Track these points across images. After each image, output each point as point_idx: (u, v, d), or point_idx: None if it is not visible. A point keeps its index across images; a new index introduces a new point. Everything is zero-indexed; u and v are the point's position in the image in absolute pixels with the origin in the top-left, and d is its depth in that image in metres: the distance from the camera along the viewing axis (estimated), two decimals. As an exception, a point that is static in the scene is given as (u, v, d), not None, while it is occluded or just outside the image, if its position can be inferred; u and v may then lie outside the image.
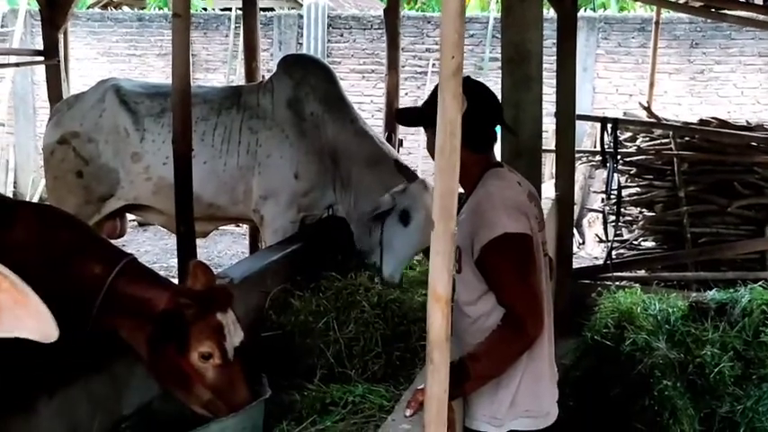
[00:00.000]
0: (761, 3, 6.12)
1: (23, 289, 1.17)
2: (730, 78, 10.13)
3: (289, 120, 4.64)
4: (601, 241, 7.84)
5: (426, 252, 1.85)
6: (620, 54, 10.43)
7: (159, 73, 11.08)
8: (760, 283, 4.55)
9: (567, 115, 5.64)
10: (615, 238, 6.75)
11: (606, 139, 6.11)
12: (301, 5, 11.75)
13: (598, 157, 6.69)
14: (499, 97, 3.45)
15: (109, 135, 4.81)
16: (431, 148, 2.24)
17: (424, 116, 2.43)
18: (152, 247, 9.42)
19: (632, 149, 6.95)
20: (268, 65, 9.54)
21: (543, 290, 2.45)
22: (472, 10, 12.86)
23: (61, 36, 6.12)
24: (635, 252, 7.10)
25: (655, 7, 8.08)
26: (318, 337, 3.40)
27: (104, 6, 13.47)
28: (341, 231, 4.53)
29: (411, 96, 10.37)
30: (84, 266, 2.59)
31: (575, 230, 8.11)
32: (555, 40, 5.62)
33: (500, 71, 3.90)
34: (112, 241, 3.52)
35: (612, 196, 6.37)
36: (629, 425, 3.87)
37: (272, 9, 11.84)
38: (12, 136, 11.77)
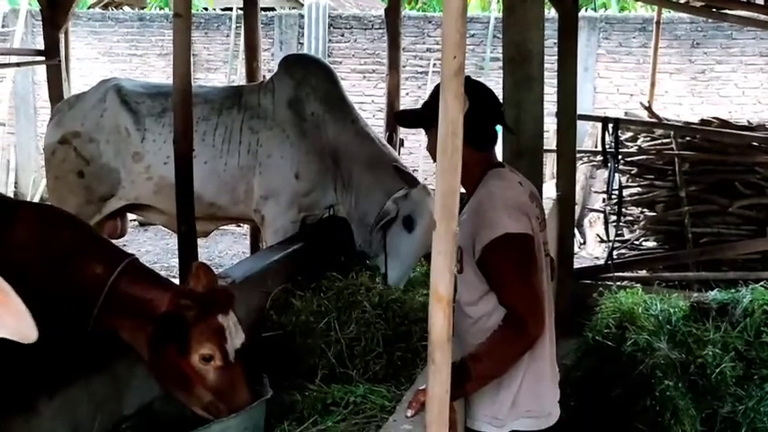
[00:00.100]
0: (762, 2, 6.11)
1: (3, 288, 1.17)
2: (731, 78, 10.12)
3: (289, 120, 4.64)
4: (602, 241, 7.83)
5: (429, 257, 1.84)
6: (621, 54, 10.43)
7: (160, 73, 11.08)
8: (761, 283, 4.53)
9: (568, 115, 5.64)
10: (616, 238, 6.75)
11: (607, 138, 6.10)
12: (302, 5, 11.75)
13: (599, 157, 6.68)
14: (500, 97, 3.45)
15: (110, 135, 4.81)
16: (432, 148, 2.23)
17: (423, 117, 2.43)
18: (153, 246, 9.42)
19: (633, 149, 6.95)
20: (269, 65, 9.54)
21: (544, 290, 2.45)
22: (473, 10, 12.85)
23: (62, 36, 6.12)
24: (636, 252, 7.10)
25: (656, 7, 8.08)
26: (319, 338, 3.40)
27: (105, 6, 13.47)
28: (342, 231, 4.53)
29: (412, 96, 10.36)
30: (85, 266, 2.59)
31: (576, 230, 8.11)
32: (556, 40, 5.62)
33: (501, 71, 3.89)
34: (113, 241, 3.52)
35: (614, 196, 6.37)
36: (631, 425, 3.86)
37: (272, 9, 11.83)
38: (13, 136, 11.77)
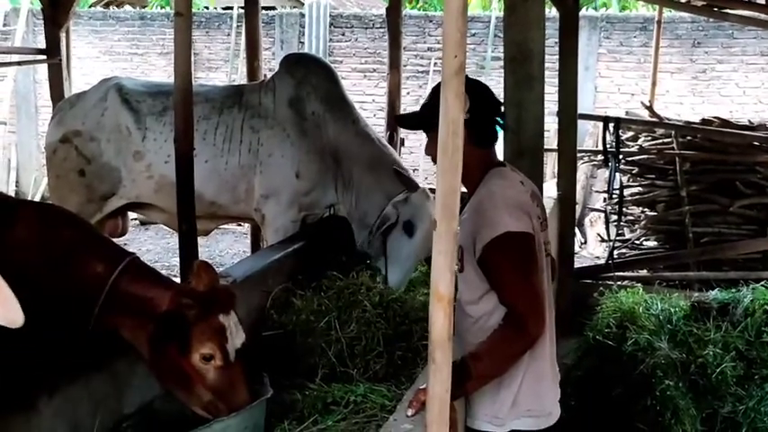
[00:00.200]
0: (763, 2, 6.11)
1: None
2: (732, 78, 10.11)
3: (290, 119, 4.64)
4: (603, 241, 7.82)
5: (429, 259, 1.84)
6: (621, 53, 10.42)
7: (161, 72, 11.08)
8: (762, 282, 4.53)
9: (568, 114, 5.63)
10: (617, 238, 6.75)
11: (608, 138, 6.10)
12: (303, 4, 11.75)
13: (600, 157, 6.68)
14: (501, 96, 3.45)
15: (111, 134, 4.81)
16: (432, 151, 2.22)
17: (423, 120, 2.42)
18: (154, 245, 9.42)
19: (634, 149, 6.95)
20: (270, 64, 9.54)
21: (545, 289, 2.45)
22: (474, 9, 12.85)
23: (63, 35, 6.12)
24: (637, 252, 7.10)
25: (657, 6, 8.08)
26: (320, 337, 3.40)
27: (106, 5, 13.48)
28: (342, 231, 4.53)
29: (413, 96, 10.36)
30: (86, 265, 2.59)
31: (576, 230, 8.11)
32: (557, 40, 5.62)
33: (502, 70, 3.89)
34: (114, 240, 3.53)
35: (614, 196, 6.37)
36: (631, 425, 3.86)
37: (273, 8, 11.83)
38: (14, 135, 11.77)
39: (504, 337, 2.29)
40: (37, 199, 10.55)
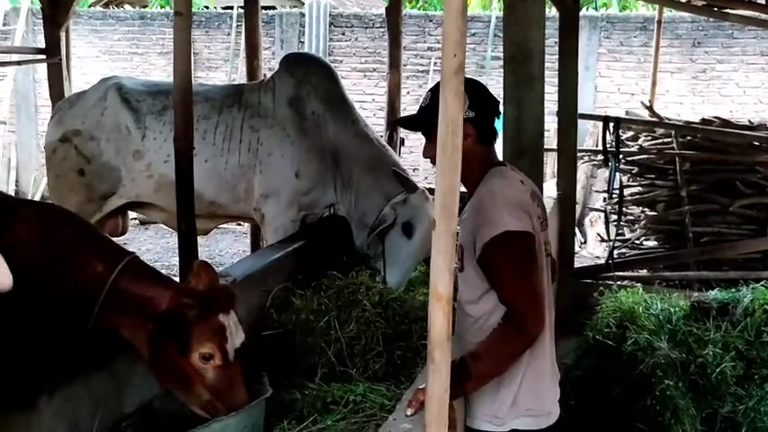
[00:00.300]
0: (763, 2, 6.10)
1: None
2: (732, 77, 10.11)
3: (290, 118, 4.64)
4: (602, 240, 7.82)
5: (428, 261, 1.84)
6: (622, 53, 10.42)
7: (161, 71, 11.08)
8: (762, 282, 4.53)
9: (568, 114, 5.63)
10: (617, 238, 6.74)
11: (608, 138, 6.10)
12: (303, 4, 11.75)
13: (600, 157, 6.68)
14: (501, 96, 3.45)
15: (110, 133, 4.81)
16: (430, 153, 2.22)
17: (421, 122, 2.42)
18: (153, 245, 9.42)
19: (634, 149, 6.94)
20: (270, 63, 9.54)
21: (545, 288, 2.45)
22: (474, 9, 12.86)
23: (63, 34, 6.12)
24: (637, 251, 7.10)
25: (657, 6, 8.07)
26: (319, 336, 3.40)
27: (106, 5, 13.47)
28: (342, 230, 4.53)
29: (413, 95, 10.36)
30: (86, 265, 2.59)
31: (576, 230, 8.11)
32: (557, 39, 5.61)
33: (502, 70, 3.89)
34: (114, 239, 3.53)
35: (614, 195, 6.37)
36: (631, 425, 3.86)
37: (273, 7, 11.83)
38: (13, 134, 11.77)
39: (503, 336, 2.29)
40: (37, 198, 10.55)
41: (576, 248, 7.70)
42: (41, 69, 9.14)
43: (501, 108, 2.62)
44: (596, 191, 9.29)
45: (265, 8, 10.17)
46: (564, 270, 5.34)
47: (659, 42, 8.18)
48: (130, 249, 2.77)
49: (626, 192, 6.61)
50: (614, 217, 6.58)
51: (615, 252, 6.31)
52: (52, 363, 2.50)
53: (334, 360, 3.32)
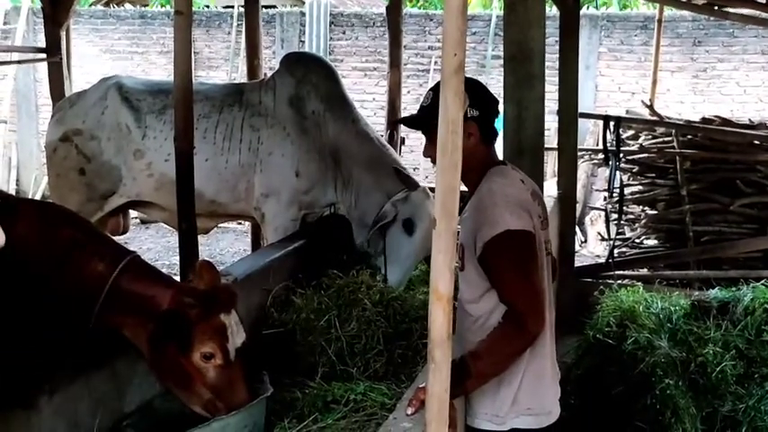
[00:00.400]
0: (764, 1, 6.10)
1: None
2: (733, 76, 10.11)
3: (290, 118, 4.64)
4: (603, 239, 7.82)
5: (429, 260, 1.84)
6: (622, 52, 10.41)
7: (161, 70, 11.08)
8: (762, 281, 4.52)
9: (569, 113, 5.63)
10: (617, 237, 6.74)
11: (608, 137, 6.10)
12: (303, 3, 11.75)
13: (600, 156, 6.67)
14: (501, 95, 3.45)
15: (111, 132, 4.81)
16: (431, 153, 2.22)
17: (422, 121, 2.42)
18: (154, 244, 9.42)
19: (635, 147, 6.95)
20: (270, 63, 9.54)
21: (545, 287, 2.45)
22: (475, 8, 12.84)
23: (63, 33, 6.12)
24: (637, 250, 7.10)
25: (657, 5, 8.07)
26: (320, 335, 3.41)
27: (107, 4, 13.46)
28: (343, 229, 4.53)
29: (413, 94, 10.36)
30: (86, 264, 2.59)
31: (577, 229, 8.11)
32: (557, 38, 5.61)
33: (502, 69, 3.89)
34: (115, 238, 3.53)
35: (615, 194, 6.36)
36: (631, 423, 3.86)
37: (274, 6, 11.83)
38: (14, 133, 11.77)
39: (503, 335, 2.29)
40: (37, 198, 10.55)
41: (577, 247, 7.70)
42: (42, 68, 9.13)
43: (501, 107, 2.63)
44: (597, 190, 9.29)
45: (266, 7, 10.17)
46: (564, 269, 5.34)
47: (660, 41, 8.18)
48: (131, 248, 2.77)
49: (626, 191, 6.60)
50: (615, 216, 6.59)
51: (615, 251, 6.32)
52: (52, 362, 2.50)
53: (335, 359, 3.32)
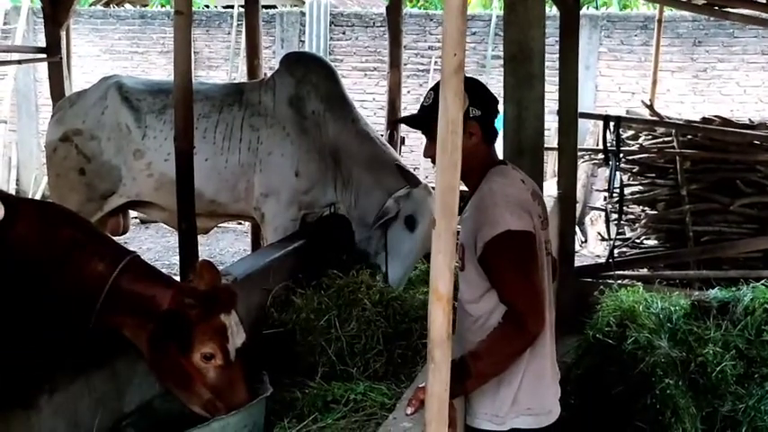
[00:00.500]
0: (764, 1, 6.10)
1: None
2: (733, 76, 10.10)
3: (290, 118, 4.64)
4: (603, 239, 7.82)
5: (429, 257, 1.84)
6: (622, 52, 10.41)
7: (161, 70, 11.08)
8: (762, 281, 4.52)
9: (569, 113, 5.63)
10: (617, 237, 6.74)
11: (609, 137, 6.10)
12: (303, 3, 11.74)
13: (600, 155, 6.67)
14: (502, 95, 3.44)
15: (111, 132, 4.81)
16: (431, 153, 2.22)
17: (423, 121, 2.42)
18: (154, 244, 9.42)
19: (635, 147, 6.95)
20: (270, 62, 9.54)
21: (545, 287, 2.45)
22: (475, 8, 12.85)
23: (63, 33, 6.12)
24: (637, 250, 7.10)
25: (657, 5, 8.07)
26: (320, 335, 3.41)
27: (107, 4, 13.46)
28: (343, 229, 4.53)
29: (413, 94, 10.36)
30: (86, 264, 2.59)
31: (577, 229, 8.11)
32: (557, 38, 5.61)
33: (502, 69, 3.89)
34: (115, 238, 3.53)
35: (615, 194, 6.36)
36: (631, 423, 3.86)
37: (274, 6, 11.83)
38: (14, 133, 11.77)
39: (503, 335, 2.29)
40: (37, 197, 10.55)
41: (577, 247, 7.70)
42: (42, 68, 9.14)
43: (501, 107, 2.62)
44: (597, 190, 9.29)
45: (266, 7, 10.17)
46: (564, 269, 5.34)
47: (660, 41, 8.18)
48: (131, 248, 2.77)
49: (626, 191, 6.60)
50: (615, 216, 6.59)
51: (616, 251, 6.31)
52: (52, 362, 2.50)
53: (335, 359, 3.32)
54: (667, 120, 7.04)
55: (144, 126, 4.77)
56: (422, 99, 2.49)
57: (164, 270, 3.05)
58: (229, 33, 11.40)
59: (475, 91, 2.34)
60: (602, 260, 6.58)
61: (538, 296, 2.33)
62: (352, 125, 4.65)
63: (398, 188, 4.36)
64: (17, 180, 11.68)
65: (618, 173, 6.23)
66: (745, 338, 4.14)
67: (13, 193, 10.38)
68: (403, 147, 6.58)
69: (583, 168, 8.84)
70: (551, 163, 8.66)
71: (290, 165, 4.57)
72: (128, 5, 13.40)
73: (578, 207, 7.98)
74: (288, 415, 2.93)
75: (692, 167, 6.67)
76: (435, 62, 10.68)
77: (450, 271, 1.71)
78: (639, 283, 4.99)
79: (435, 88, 2.23)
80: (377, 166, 4.51)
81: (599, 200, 8.89)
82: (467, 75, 1.74)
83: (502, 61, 4.01)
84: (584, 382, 4.18)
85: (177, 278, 3.56)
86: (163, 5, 13.90)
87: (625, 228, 7.27)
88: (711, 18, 9.37)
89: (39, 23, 10.64)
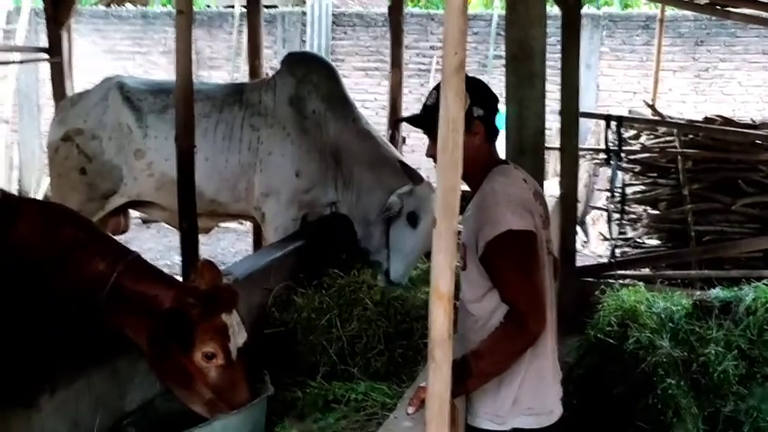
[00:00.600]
0: (766, 0, 6.09)
1: None
2: (735, 76, 10.10)
3: (290, 117, 4.64)
4: (605, 239, 7.80)
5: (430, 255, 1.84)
6: (624, 52, 10.41)
7: (163, 70, 11.08)
8: (764, 281, 4.51)
9: (570, 113, 5.62)
10: (619, 236, 6.73)
11: (610, 136, 6.10)
12: (305, 3, 11.75)
13: (602, 155, 6.67)
14: (503, 94, 3.44)
15: (112, 132, 4.82)
16: (433, 153, 2.21)
17: (425, 121, 2.42)
18: (155, 244, 9.43)
19: (636, 147, 6.93)
20: (272, 62, 9.53)
21: (546, 287, 2.44)
22: (476, 7, 12.85)
23: (65, 33, 6.12)
24: (639, 250, 7.08)
25: (659, 5, 8.06)
26: (321, 335, 3.41)
27: (108, 4, 13.46)
28: (343, 229, 4.54)
29: (414, 94, 10.36)
30: (88, 263, 2.59)
31: (579, 228, 8.11)
32: (559, 38, 5.61)
33: (504, 68, 3.89)
34: (116, 238, 3.53)
35: (616, 194, 6.36)
36: (633, 423, 3.85)
37: (275, 6, 11.82)
38: (16, 133, 11.78)
39: (505, 334, 2.28)
40: (39, 197, 10.55)
41: (579, 247, 7.69)
42: (44, 68, 9.14)
43: (503, 107, 2.62)
44: (598, 189, 9.28)
45: (267, 7, 10.16)
46: (566, 268, 5.34)
47: (661, 41, 8.18)
48: (132, 248, 2.78)
49: (628, 190, 6.60)
50: (616, 215, 6.58)
51: (617, 251, 6.31)
52: (53, 362, 2.50)
53: (336, 358, 3.32)
54: (669, 119, 7.03)
55: (145, 126, 4.77)
56: (423, 99, 2.49)
57: (165, 270, 3.05)
58: (231, 33, 11.41)
59: (476, 90, 2.34)
60: (604, 260, 6.59)
61: (539, 296, 2.33)
62: (353, 125, 4.65)
63: (400, 186, 4.36)
64: (19, 180, 11.69)
65: (619, 172, 6.23)
66: (747, 338, 4.13)
67: (16, 193, 10.39)
68: (404, 146, 6.58)
69: (584, 168, 8.83)
70: (553, 162, 8.64)
71: (291, 164, 4.58)
72: (129, 5, 13.41)
73: (580, 207, 7.98)
74: (289, 414, 2.94)
75: (694, 167, 6.65)
76: (437, 62, 10.68)
77: (452, 270, 1.71)
78: (641, 283, 4.97)
79: (438, 88, 2.23)
80: (378, 165, 4.52)
81: (601, 199, 8.89)
82: (469, 74, 1.74)
83: (503, 61, 4.01)
84: (586, 381, 4.17)
85: (179, 278, 3.56)
86: (164, 5, 13.90)
87: (627, 227, 7.25)
88: (713, 18, 9.36)
89: (40, 23, 10.64)
